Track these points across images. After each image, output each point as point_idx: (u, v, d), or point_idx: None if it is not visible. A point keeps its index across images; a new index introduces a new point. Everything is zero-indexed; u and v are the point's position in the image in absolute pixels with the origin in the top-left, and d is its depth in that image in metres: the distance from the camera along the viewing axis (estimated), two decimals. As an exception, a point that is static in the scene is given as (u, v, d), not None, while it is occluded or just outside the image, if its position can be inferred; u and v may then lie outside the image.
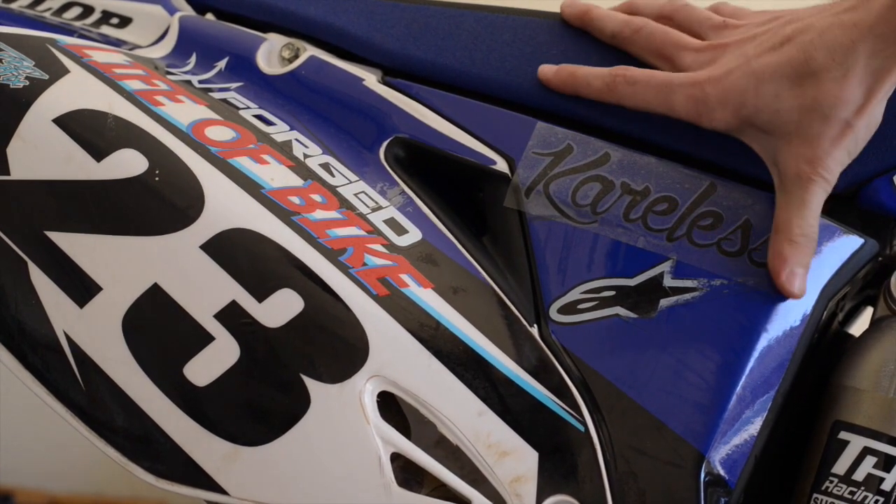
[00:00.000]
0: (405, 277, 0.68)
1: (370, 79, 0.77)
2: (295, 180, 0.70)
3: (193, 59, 0.80)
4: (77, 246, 0.66)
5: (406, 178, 0.75)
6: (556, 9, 0.79)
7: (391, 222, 0.72)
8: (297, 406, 0.64)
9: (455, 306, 0.68)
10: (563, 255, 0.71)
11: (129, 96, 0.70)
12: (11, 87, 0.68)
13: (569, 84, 0.73)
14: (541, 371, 0.69)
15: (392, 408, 0.66)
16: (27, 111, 0.67)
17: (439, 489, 0.67)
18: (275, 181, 0.69)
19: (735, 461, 0.67)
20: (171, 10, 0.84)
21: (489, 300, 0.70)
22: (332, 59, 0.79)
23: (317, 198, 0.70)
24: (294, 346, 0.64)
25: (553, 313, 0.70)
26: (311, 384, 0.64)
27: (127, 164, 0.66)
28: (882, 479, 0.67)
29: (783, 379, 0.68)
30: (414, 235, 0.71)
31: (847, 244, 0.69)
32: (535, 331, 0.70)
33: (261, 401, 0.64)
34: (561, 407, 0.68)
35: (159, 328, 0.65)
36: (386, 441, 0.65)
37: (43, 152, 0.67)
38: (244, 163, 0.69)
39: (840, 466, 0.68)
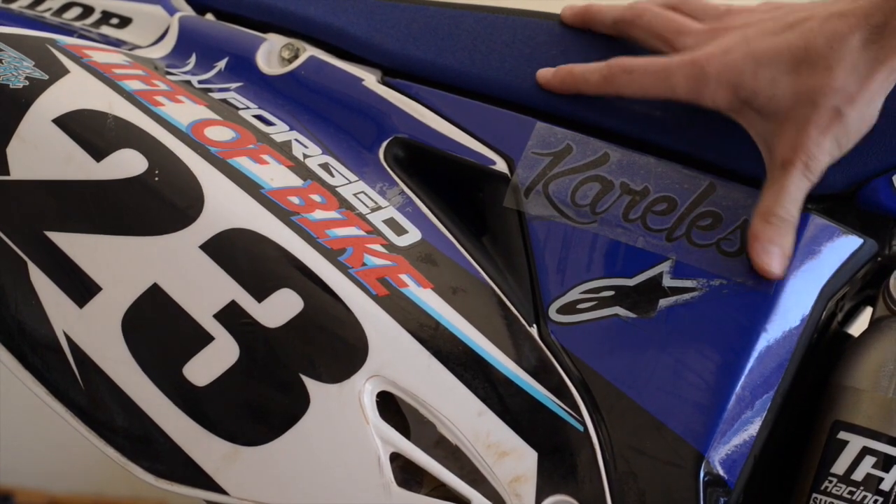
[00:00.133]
0: (404, 277, 0.68)
1: (370, 79, 0.77)
2: (294, 180, 0.70)
3: (193, 59, 0.80)
4: (77, 246, 0.66)
5: (405, 179, 0.75)
6: (555, 9, 0.79)
7: (391, 222, 0.72)
8: (297, 406, 0.64)
9: (454, 306, 0.68)
10: (563, 255, 0.71)
11: (129, 96, 0.70)
12: (11, 87, 0.68)
13: (568, 82, 0.73)
14: (540, 371, 0.69)
15: (391, 408, 0.66)
16: (27, 111, 0.67)
17: (439, 489, 0.67)
18: (274, 181, 0.69)
19: (734, 461, 0.67)
20: (171, 11, 0.84)
21: (488, 300, 0.70)
22: (331, 60, 0.79)
23: (316, 198, 0.70)
24: (293, 346, 0.64)
25: (552, 313, 0.70)
26: (310, 384, 0.64)
27: (127, 164, 0.66)
28: (881, 479, 0.67)
29: (782, 379, 0.68)
30: (413, 235, 0.72)
31: (846, 244, 0.69)
32: (534, 331, 0.70)
33: (260, 401, 0.65)
34: (560, 407, 0.68)
35: (159, 328, 0.65)
36: (385, 441, 0.65)
37: (43, 152, 0.67)
38: (244, 163, 0.69)
39: (839, 466, 0.68)
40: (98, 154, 0.66)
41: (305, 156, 0.73)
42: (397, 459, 0.65)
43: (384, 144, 0.76)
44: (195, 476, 0.65)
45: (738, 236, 0.68)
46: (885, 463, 0.67)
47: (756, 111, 0.67)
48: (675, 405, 0.67)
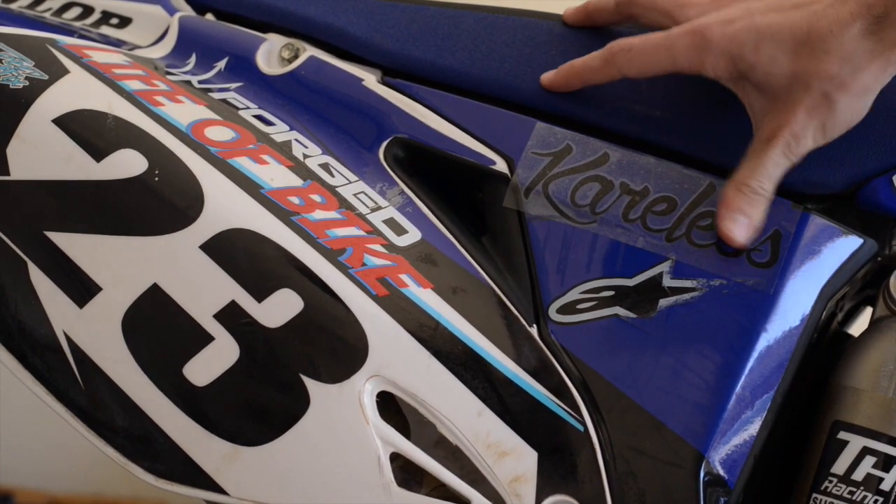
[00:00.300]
0: (404, 277, 0.68)
1: (370, 79, 0.77)
2: (294, 180, 0.70)
3: (193, 59, 0.80)
4: (77, 246, 0.66)
5: (405, 179, 0.75)
6: (555, 9, 0.79)
7: (390, 222, 0.72)
8: (297, 406, 0.64)
9: (454, 306, 0.68)
10: (563, 255, 0.71)
11: (129, 96, 0.70)
12: (11, 87, 0.68)
13: (572, 77, 0.73)
14: (540, 371, 0.69)
15: (391, 408, 0.66)
16: (27, 111, 0.67)
17: (439, 489, 0.67)
18: (274, 181, 0.69)
19: (734, 461, 0.67)
20: (171, 11, 0.84)
21: (488, 300, 0.70)
22: (331, 60, 0.79)
23: (316, 198, 0.70)
24: (293, 346, 0.64)
25: (552, 313, 0.70)
26: (310, 384, 0.64)
27: (126, 164, 0.66)
28: (881, 479, 0.67)
29: (782, 379, 0.68)
30: (413, 235, 0.72)
31: (846, 244, 0.69)
32: (534, 331, 0.70)
33: (260, 401, 0.65)
34: (560, 407, 0.68)
35: (159, 328, 0.65)
36: (385, 441, 0.65)
37: (43, 152, 0.67)
38: (244, 163, 0.69)
39: (839, 466, 0.68)
40: (98, 154, 0.66)
41: (305, 156, 0.73)
42: (397, 459, 0.65)
43: (384, 144, 0.76)
44: (195, 476, 0.65)
45: (737, 236, 0.68)
46: (885, 463, 0.67)
47: (752, 85, 0.67)
48: (675, 405, 0.67)
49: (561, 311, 0.70)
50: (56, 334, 0.66)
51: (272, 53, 0.80)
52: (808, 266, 0.68)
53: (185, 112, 0.71)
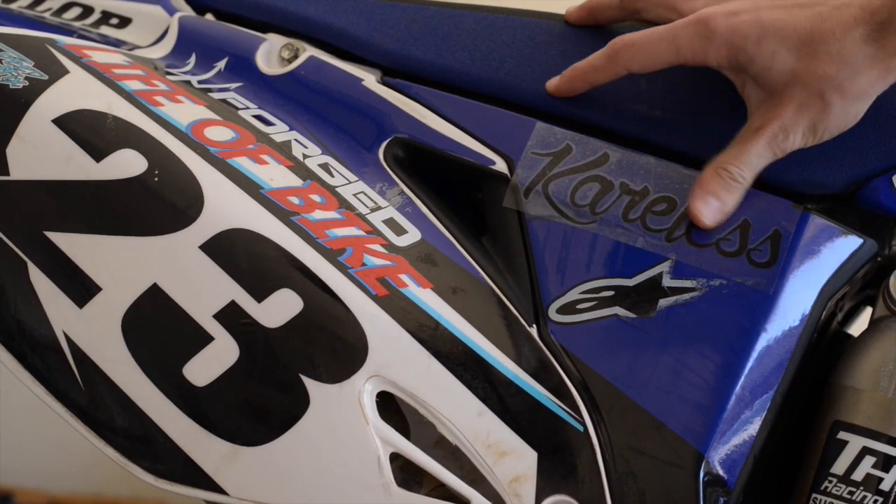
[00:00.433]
0: (404, 278, 0.68)
1: (369, 79, 0.77)
2: (294, 180, 0.70)
3: (193, 59, 0.80)
4: (77, 246, 0.66)
5: (405, 179, 0.75)
6: (556, 9, 0.79)
7: (390, 222, 0.72)
8: (297, 406, 0.64)
9: (454, 306, 0.68)
10: (562, 256, 0.71)
11: (129, 96, 0.70)
12: (11, 87, 0.68)
13: (576, 79, 0.73)
14: (540, 371, 0.69)
15: (391, 408, 0.66)
16: (27, 111, 0.67)
17: (438, 489, 0.67)
18: (274, 181, 0.69)
19: (734, 461, 0.67)
20: (171, 11, 0.84)
21: (488, 300, 0.70)
22: (331, 60, 0.79)
23: (316, 198, 0.70)
24: (293, 346, 0.64)
25: (552, 313, 0.70)
26: (310, 384, 0.64)
27: (126, 164, 0.66)
28: (881, 479, 0.67)
29: (782, 379, 0.68)
30: (413, 236, 0.71)
31: (846, 244, 0.69)
32: (534, 331, 0.70)
33: (260, 401, 0.65)
34: (560, 407, 0.68)
35: (159, 328, 0.65)
36: (385, 441, 0.65)
37: (42, 152, 0.67)
38: (243, 163, 0.69)
39: (839, 466, 0.68)
40: (98, 154, 0.66)
41: (305, 156, 0.73)
42: (397, 459, 0.65)
43: (384, 144, 0.76)
44: (195, 476, 0.65)
45: (737, 236, 0.68)
46: (884, 463, 0.67)
47: (750, 77, 0.67)
48: (674, 405, 0.67)
49: (561, 311, 0.70)
50: (56, 334, 0.66)
51: (272, 53, 0.80)
52: (808, 266, 0.68)
53: (185, 112, 0.71)
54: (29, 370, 0.67)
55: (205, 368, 0.64)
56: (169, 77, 0.77)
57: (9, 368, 0.68)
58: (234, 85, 0.78)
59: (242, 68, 0.79)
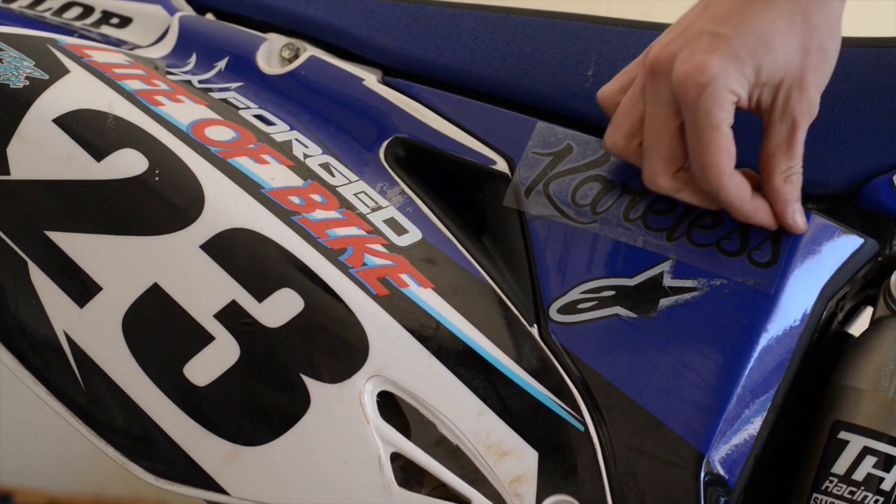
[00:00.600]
0: (405, 277, 0.68)
1: (370, 79, 0.77)
2: (295, 180, 0.70)
3: (193, 59, 0.80)
4: (77, 246, 0.66)
5: (406, 178, 0.75)
6: (556, 9, 0.79)
7: (391, 222, 0.72)
8: (297, 406, 0.64)
9: (455, 306, 0.68)
10: (563, 255, 0.71)
11: (129, 96, 0.70)
12: (11, 87, 0.68)
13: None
14: (540, 371, 0.69)
15: (392, 408, 0.66)
16: (27, 111, 0.67)
17: (439, 489, 0.67)
18: (275, 181, 0.69)
19: (735, 461, 0.67)
20: (171, 10, 0.84)
21: (489, 300, 0.70)
22: (332, 59, 0.79)
23: (317, 198, 0.70)
24: (294, 345, 0.64)
25: (553, 313, 0.70)
26: (311, 384, 0.64)
27: (127, 163, 0.66)
28: (882, 479, 0.67)
29: (783, 379, 0.68)
30: (414, 235, 0.71)
31: (847, 244, 0.69)
32: (534, 331, 0.70)
33: (261, 400, 0.65)
34: (561, 407, 0.68)
35: (159, 328, 0.65)
36: (386, 441, 0.65)
37: (43, 152, 0.67)
38: (244, 163, 0.69)
39: (840, 466, 0.68)
40: (98, 154, 0.66)
41: (306, 155, 0.73)
42: (398, 459, 0.65)
43: (384, 144, 0.76)
44: (195, 476, 0.65)
45: (738, 236, 0.68)
46: (885, 463, 0.67)
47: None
48: (675, 405, 0.67)
49: (561, 310, 0.70)
50: (56, 334, 0.66)
51: (272, 53, 0.80)
52: (809, 266, 0.68)
53: (186, 112, 0.71)
54: (29, 370, 0.67)
55: (205, 368, 0.64)
56: (169, 77, 0.77)
57: (9, 368, 0.68)
58: (234, 84, 0.78)
59: (243, 68, 0.79)
